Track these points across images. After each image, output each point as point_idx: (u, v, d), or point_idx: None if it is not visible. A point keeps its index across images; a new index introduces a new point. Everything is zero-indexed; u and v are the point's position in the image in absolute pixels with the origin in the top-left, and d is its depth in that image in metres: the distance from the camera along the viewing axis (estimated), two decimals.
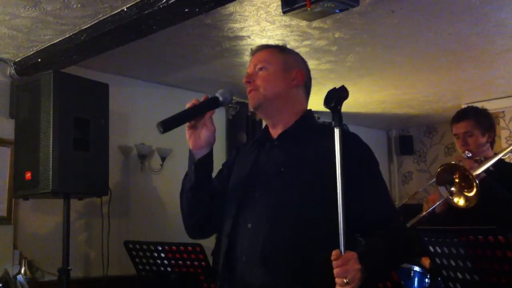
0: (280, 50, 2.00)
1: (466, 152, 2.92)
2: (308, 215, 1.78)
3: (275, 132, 1.98)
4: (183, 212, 2.00)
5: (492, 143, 3.03)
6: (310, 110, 2.02)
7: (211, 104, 1.88)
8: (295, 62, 2.00)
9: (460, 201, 2.69)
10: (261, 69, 1.94)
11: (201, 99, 1.89)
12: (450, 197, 2.71)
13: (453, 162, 2.75)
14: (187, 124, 1.88)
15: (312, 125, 1.99)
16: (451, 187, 2.72)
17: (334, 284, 1.60)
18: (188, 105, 1.86)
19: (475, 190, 2.59)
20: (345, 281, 1.57)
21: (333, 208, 1.64)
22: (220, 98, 1.90)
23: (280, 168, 1.88)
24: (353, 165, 1.75)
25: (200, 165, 1.89)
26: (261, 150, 1.99)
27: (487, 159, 2.78)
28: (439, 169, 2.76)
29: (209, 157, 1.91)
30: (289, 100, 1.95)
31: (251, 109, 1.96)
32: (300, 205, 1.80)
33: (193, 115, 1.85)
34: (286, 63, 1.97)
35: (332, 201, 1.65)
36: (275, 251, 1.79)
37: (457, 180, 2.70)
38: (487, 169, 2.74)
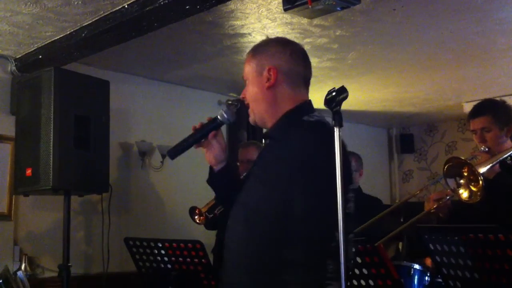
0: (253, 53, 1.97)
1: (483, 147, 2.88)
2: (258, 217, 1.77)
3: None
4: None
5: None
6: (297, 106, 1.89)
7: (212, 126, 1.99)
8: (266, 60, 1.92)
9: (464, 194, 2.68)
10: (245, 82, 1.98)
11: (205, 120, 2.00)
12: (457, 188, 2.70)
13: (462, 158, 2.72)
14: (194, 145, 2.00)
15: (288, 124, 1.88)
16: (460, 179, 2.70)
17: (284, 281, 1.65)
18: (192, 129, 1.99)
19: (480, 186, 2.58)
20: None
21: (283, 208, 1.69)
22: (219, 118, 1.98)
23: (254, 168, 1.95)
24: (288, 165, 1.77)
25: (213, 179, 2.05)
26: None
27: (496, 155, 2.76)
28: (448, 164, 2.73)
29: (223, 170, 2.02)
30: (269, 103, 1.90)
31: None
32: (252, 207, 1.81)
33: (197, 139, 1.98)
34: (259, 66, 1.92)
35: (282, 201, 1.69)
36: (231, 251, 1.85)
37: (465, 174, 2.69)
38: (503, 162, 2.73)
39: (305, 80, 1.94)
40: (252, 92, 1.93)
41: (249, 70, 1.95)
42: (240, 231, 1.82)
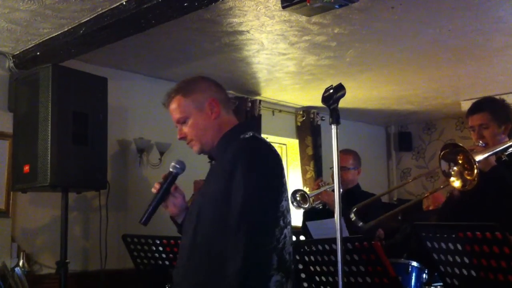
0: (184, 94, 2.08)
1: (481, 142, 2.87)
2: (204, 222, 1.96)
3: None
4: None
5: (510, 134, 2.94)
6: (233, 128, 2.08)
7: (170, 181, 2.13)
8: (201, 95, 2.08)
9: (456, 182, 2.66)
10: (183, 122, 2.09)
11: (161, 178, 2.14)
12: (449, 174, 2.69)
13: (460, 144, 2.72)
14: (162, 204, 2.16)
15: (226, 144, 2.06)
16: (454, 166, 2.70)
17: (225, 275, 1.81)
18: (153, 190, 2.14)
19: (474, 174, 2.58)
20: None
21: (225, 219, 1.84)
22: (174, 171, 2.13)
23: (203, 185, 2.15)
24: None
25: (182, 228, 2.20)
26: None
27: (494, 146, 2.76)
28: (444, 150, 2.72)
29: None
30: (216, 130, 2.08)
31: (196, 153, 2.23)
32: (197, 227, 1.99)
33: (163, 198, 2.15)
34: (195, 102, 2.07)
35: (225, 213, 1.84)
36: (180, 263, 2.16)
37: (460, 161, 2.68)
38: (499, 157, 2.73)
39: (230, 105, 2.16)
40: (199, 126, 2.07)
41: (186, 109, 2.07)
42: (191, 235, 2.00)
